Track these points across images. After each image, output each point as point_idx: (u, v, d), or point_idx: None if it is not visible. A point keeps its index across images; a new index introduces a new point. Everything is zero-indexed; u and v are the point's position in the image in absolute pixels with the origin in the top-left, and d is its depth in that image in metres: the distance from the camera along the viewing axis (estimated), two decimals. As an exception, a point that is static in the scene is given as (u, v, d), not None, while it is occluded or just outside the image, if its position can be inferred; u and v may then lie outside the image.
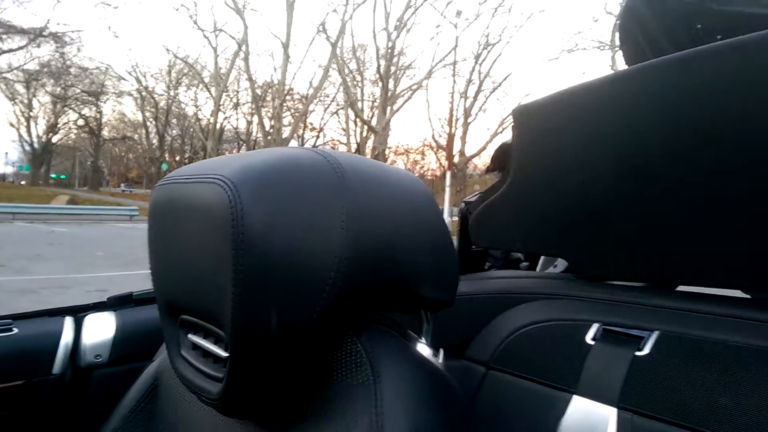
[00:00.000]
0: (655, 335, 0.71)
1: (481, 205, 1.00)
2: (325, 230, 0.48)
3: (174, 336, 0.58)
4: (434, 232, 0.59)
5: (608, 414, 0.68)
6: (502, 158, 1.21)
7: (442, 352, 0.61)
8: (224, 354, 0.50)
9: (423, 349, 0.58)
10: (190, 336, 0.56)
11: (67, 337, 0.94)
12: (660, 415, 0.65)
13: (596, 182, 0.83)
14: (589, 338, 0.76)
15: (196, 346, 0.55)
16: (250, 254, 0.44)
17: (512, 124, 0.93)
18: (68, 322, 0.96)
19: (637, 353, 0.70)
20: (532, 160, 0.90)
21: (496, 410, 0.81)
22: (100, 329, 0.97)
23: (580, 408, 0.71)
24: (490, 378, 0.84)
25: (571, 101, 0.84)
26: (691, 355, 0.67)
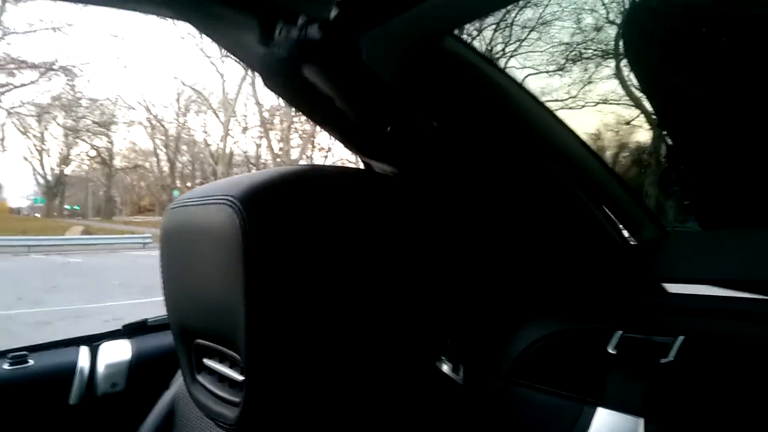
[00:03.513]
0: (679, 340, 0.69)
1: None
2: (345, 241, 0.47)
3: (189, 361, 0.57)
4: (448, 248, 0.58)
5: (634, 426, 0.66)
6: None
7: (462, 368, 0.60)
8: (240, 378, 0.49)
9: (444, 365, 0.57)
10: (205, 360, 0.55)
11: (82, 366, 0.93)
12: (688, 425, 0.63)
13: None
14: (611, 347, 0.74)
15: (212, 371, 0.54)
16: (262, 275, 0.44)
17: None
18: (84, 352, 0.95)
19: (662, 360, 0.68)
20: None
21: (518, 424, 0.80)
22: (115, 358, 0.96)
23: (605, 421, 0.69)
24: (512, 391, 0.82)
25: None
26: (720, 357, 0.65)
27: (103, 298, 7.71)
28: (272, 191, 0.47)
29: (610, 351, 0.73)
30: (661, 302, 0.80)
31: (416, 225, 0.54)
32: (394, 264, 0.51)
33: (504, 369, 0.84)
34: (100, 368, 0.95)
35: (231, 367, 0.51)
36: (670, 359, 0.68)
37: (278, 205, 0.46)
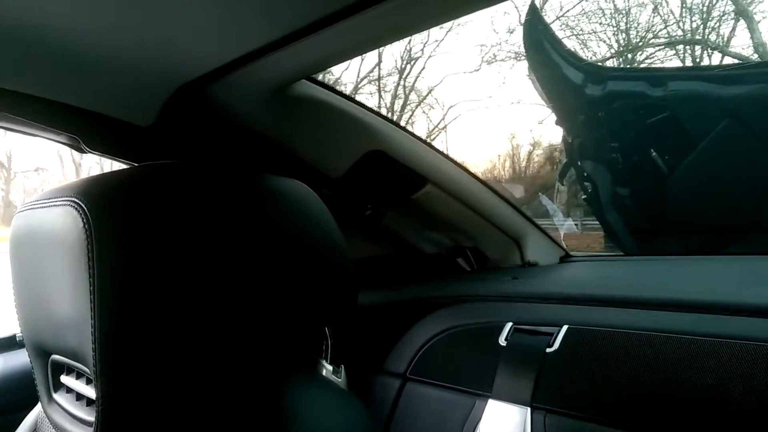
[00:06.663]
0: (563, 330, 0.71)
1: None
2: (193, 244, 0.44)
3: (45, 379, 0.52)
4: (326, 246, 0.56)
5: (522, 415, 0.67)
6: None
7: (343, 368, 0.58)
8: (95, 395, 0.45)
9: (324, 368, 0.55)
10: (62, 378, 0.50)
11: None
12: (572, 412, 0.65)
13: None
14: (501, 339, 0.75)
15: (69, 389, 0.49)
16: (109, 282, 0.40)
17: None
18: None
19: (548, 350, 0.70)
20: None
21: (414, 422, 0.79)
22: None
23: (495, 412, 0.70)
24: (408, 389, 0.82)
25: None
26: (598, 346, 0.67)
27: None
28: (119, 189, 0.43)
29: (501, 343, 0.75)
30: (547, 293, 0.82)
31: (279, 222, 0.51)
32: (259, 263, 0.48)
33: (401, 367, 0.84)
34: None
35: (88, 383, 0.47)
36: (555, 348, 0.69)
37: (125, 204, 0.43)
